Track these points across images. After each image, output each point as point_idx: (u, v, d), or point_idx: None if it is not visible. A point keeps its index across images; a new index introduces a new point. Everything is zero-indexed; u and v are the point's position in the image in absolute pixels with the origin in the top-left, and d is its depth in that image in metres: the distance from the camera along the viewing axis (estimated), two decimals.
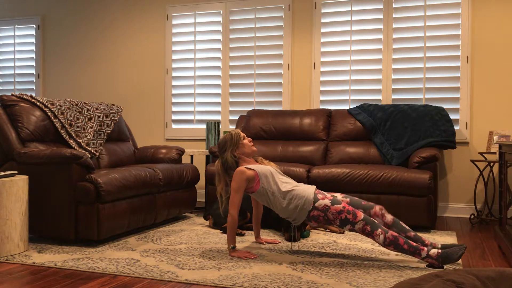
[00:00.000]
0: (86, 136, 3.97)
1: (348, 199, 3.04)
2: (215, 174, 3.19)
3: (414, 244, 2.78)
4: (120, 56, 5.89)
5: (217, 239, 3.49)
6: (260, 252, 3.11)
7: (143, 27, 5.78)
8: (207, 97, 5.49)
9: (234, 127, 5.31)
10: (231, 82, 5.39)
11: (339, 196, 3.07)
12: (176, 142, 5.62)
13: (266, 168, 3.09)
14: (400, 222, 2.99)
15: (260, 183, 3.02)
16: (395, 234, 2.78)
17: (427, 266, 2.78)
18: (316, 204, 2.91)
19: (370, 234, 2.81)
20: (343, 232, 3.71)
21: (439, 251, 2.75)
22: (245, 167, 3.04)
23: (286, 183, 3.05)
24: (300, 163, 4.53)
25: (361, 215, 2.85)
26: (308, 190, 2.99)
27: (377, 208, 3.00)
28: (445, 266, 2.78)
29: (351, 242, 3.42)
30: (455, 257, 2.72)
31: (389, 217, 2.97)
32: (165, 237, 3.55)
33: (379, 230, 2.79)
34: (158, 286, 2.43)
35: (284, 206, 2.99)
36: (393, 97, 4.85)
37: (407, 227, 2.96)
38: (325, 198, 2.93)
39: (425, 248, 2.76)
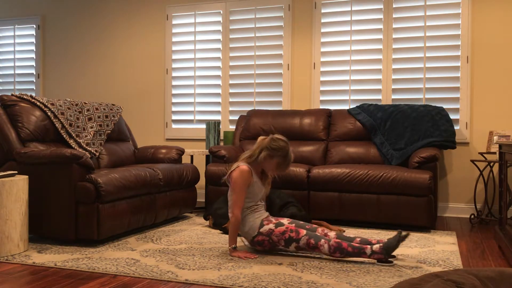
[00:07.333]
0: (86, 136, 3.97)
1: (293, 224, 3.09)
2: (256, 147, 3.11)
3: (357, 245, 2.84)
4: (120, 56, 5.89)
5: (217, 239, 3.49)
6: (260, 252, 3.11)
7: (143, 27, 5.78)
8: (207, 97, 5.49)
9: (234, 127, 5.31)
10: (231, 82, 5.39)
11: (285, 220, 3.12)
12: (176, 142, 5.62)
13: (258, 184, 3.12)
14: (344, 234, 3.12)
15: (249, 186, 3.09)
16: (338, 240, 2.87)
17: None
18: (261, 230, 3.02)
19: (315, 247, 2.89)
20: (343, 231, 3.71)
21: (381, 244, 2.79)
22: (248, 167, 3.06)
23: (254, 205, 3.09)
24: (300, 163, 4.53)
25: (303, 231, 2.95)
26: (257, 219, 3.06)
27: (320, 229, 3.07)
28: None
29: None
30: (394, 243, 2.77)
31: (332, 234, 3.03)
32: (165, 237, 3.55)
33: (322, 240, 2.88)
34: (158, 286, 2.43)
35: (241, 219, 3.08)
36: (393, 97, 4.85)
37: (351, 236, 3.00)
38: (270, 223, 3.03)
39: (368, 246, 2.81)
